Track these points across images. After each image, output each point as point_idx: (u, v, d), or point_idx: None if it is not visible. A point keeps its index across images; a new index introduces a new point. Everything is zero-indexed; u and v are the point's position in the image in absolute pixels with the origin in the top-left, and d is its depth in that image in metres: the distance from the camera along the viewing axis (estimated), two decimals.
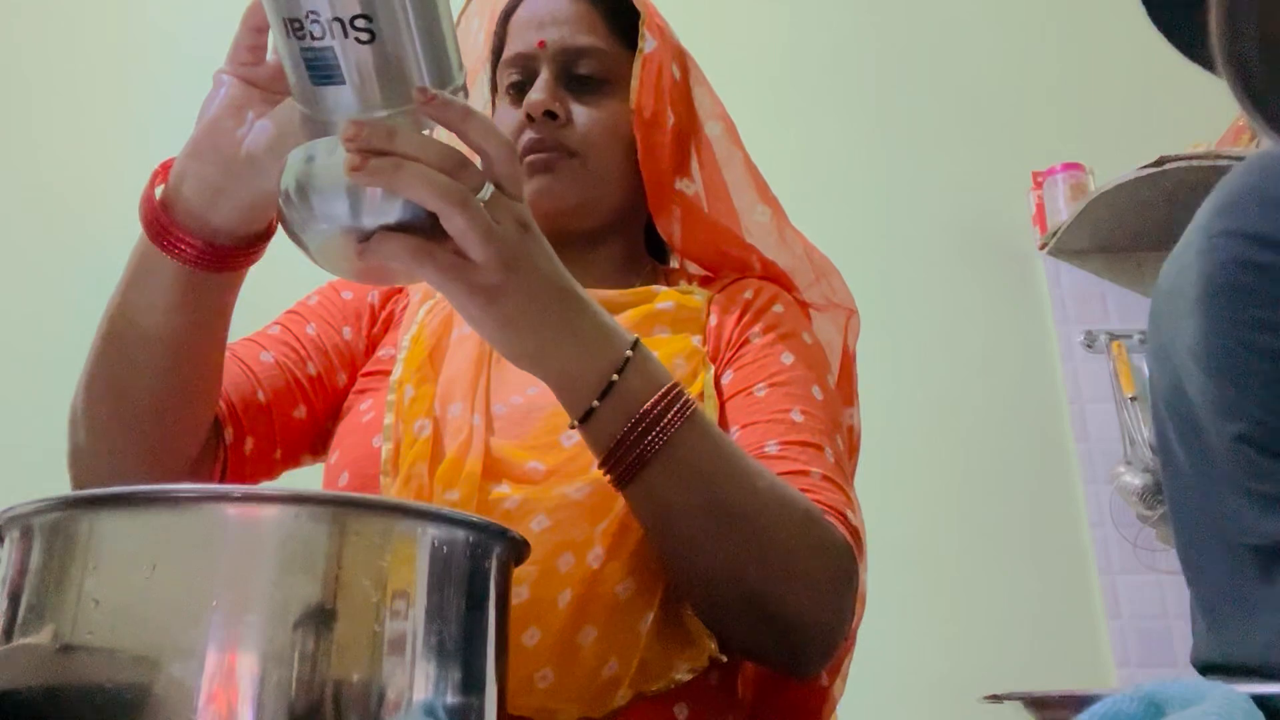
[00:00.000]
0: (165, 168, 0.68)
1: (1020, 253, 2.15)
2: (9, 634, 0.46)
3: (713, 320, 0.88)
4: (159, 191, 0.68)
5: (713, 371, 0.84)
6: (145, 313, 0.70)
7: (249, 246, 0.69)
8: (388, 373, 0.85)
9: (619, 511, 0.73)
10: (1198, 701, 0.35)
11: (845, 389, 0.97)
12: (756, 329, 0.87)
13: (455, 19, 0.72)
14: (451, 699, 0.47)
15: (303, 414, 0.86)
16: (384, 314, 0.94)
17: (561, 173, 0.89)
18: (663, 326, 0.86)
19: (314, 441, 0.88)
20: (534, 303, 0.62)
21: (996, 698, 0.46)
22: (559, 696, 0.70)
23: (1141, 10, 0.72)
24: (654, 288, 0.90)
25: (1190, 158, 1.81)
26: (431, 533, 0.49)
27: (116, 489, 0.46)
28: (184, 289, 0.69)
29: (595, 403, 0.65)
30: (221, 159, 0.66)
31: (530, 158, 0.88)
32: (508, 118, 0.91)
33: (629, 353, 0.66)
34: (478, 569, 0.51)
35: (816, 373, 0.85)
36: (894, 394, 1.92)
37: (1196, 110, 1.69)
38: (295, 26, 0.57)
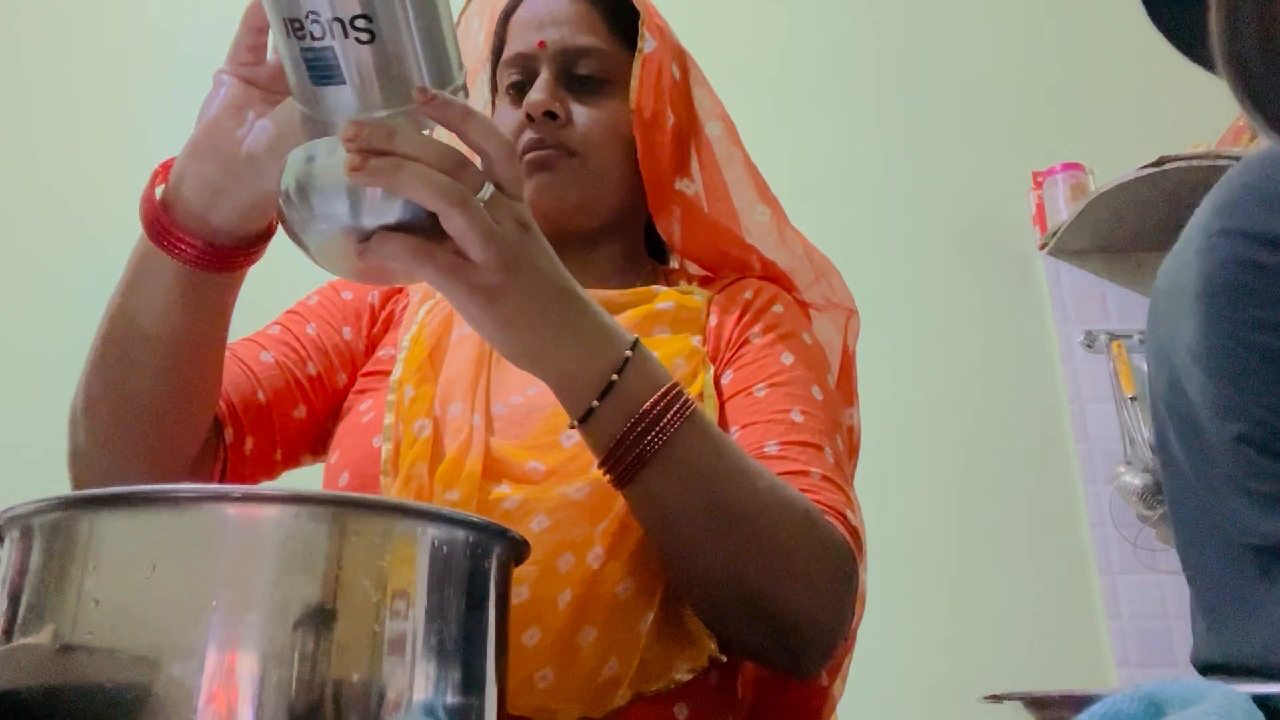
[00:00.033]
0: (165, 168, 0.68)
1: (1020, 253, 2.15)
2: (9, 634, 0.46)
3: (712, 320, 0.88)
4: (159, 191, 0.68)
5: (712, 372, 0.84)
6: (145, 313, 0.70)
7: (249, 246, 0.69)
8: (388, 373, 0.85)
9: (619, 511, 0.73)
10: (1198, 701, 0.35)
11: (845, 389, 0.97)
12: (756, 329, 0.87)
13: (455, 19, 0.72)
14: (451, 699, 0.47)
15: (303, 414, 0.86)
16: (384, 314, 0.94)
17: (561, 172, 0.89)
18: (662, 326, 0.86)
19: (314, 441, 0.88)
20: (534, 303, 0.62)
21: (996, 698, 0.46)
22: (559, 696, 0.70)
23: (1141, 10, 0.72)
24: (654, 288, 0.90)
25: (1190, 158, 1.81)
26: (431, 533, 0.49)
27: (116, 489, 0.46)
28: (184, 289, 0.69)
29: (595, 403, 0.65)
30: (222, 159, 0.66)
31: (530, 157, 0.88)
32: (508, 118, 0.91)
33: (628, 353, 0.66)
34: (478, 569, 0.51)
35: (816, 373, 0.85)
36: (894, 394, 1.92)
37: (1196, 110, 1.69)
38: (295, 26, 0.57)
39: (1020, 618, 1.90)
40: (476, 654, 0.50)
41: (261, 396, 0.83)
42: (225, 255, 0.68)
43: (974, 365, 2.06)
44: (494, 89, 0.98)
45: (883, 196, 2.18)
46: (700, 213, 0.94)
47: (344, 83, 0.59)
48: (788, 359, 0.84)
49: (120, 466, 0.73)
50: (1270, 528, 0.69)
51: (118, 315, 0.71)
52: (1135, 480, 1.92)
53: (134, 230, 0.68)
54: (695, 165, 0.96)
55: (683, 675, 0.73)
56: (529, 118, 0.88)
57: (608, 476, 0.68)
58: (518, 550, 0.54)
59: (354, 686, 0.44)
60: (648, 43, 0.91)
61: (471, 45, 0.98)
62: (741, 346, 0.86)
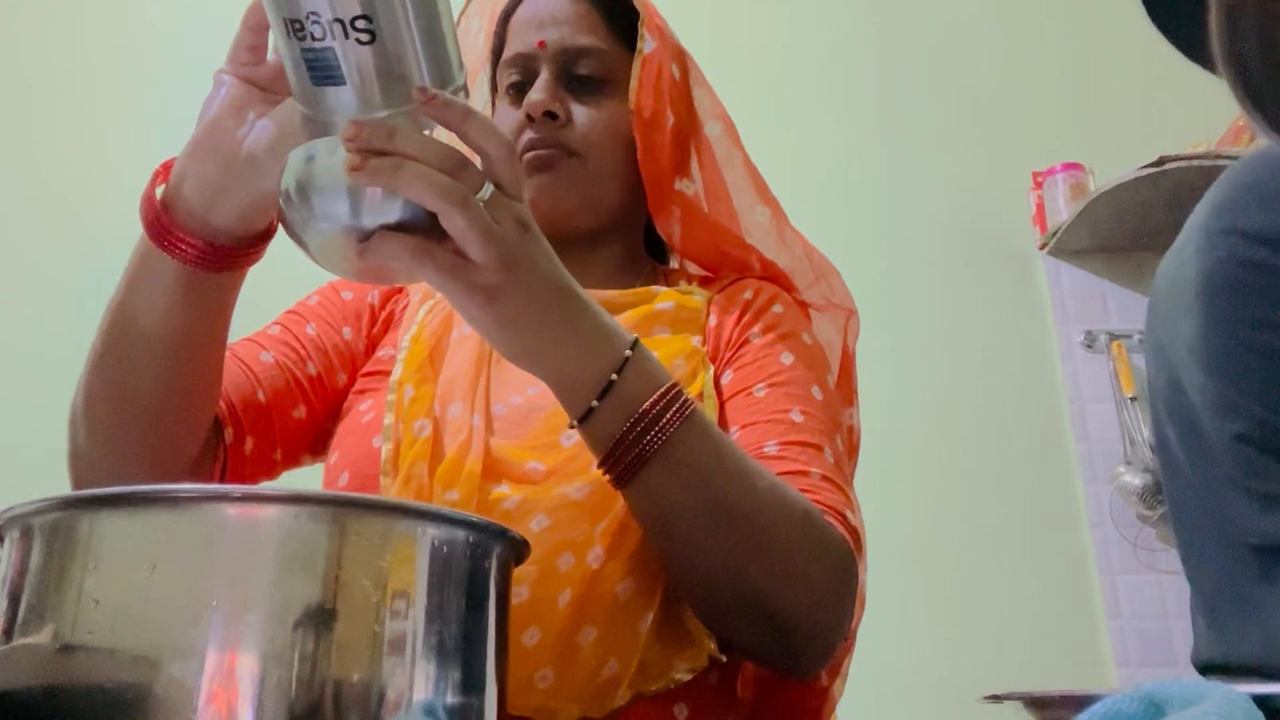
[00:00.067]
0: (166, 168, 0.68)
1: (1020, 253, 2.15)
2: (9, 634, 0.46)
3: (712, 320, 0.88)
4: (160, 191, 0.68)
5: (712, 372, 0.84)
6: (145, 312, 0.70)
7: (249, 247, 0.69)
8: (387, 373, 0.85)
9: (619, 511, 0.73)
10: (1198, 701, 0.35)
11: (845, 389, 0.97)
12: (756, 329, 0.87)
13: (455, 19, 0.73)
14: (451, 699, 0.47)
15: (302, 414, 0.86)
16: (384, 314, 0.94)
17: (561, 172, 0.89)
18: (662, 327, 0.86)
19: (314, 441, 0.88)
20: (533, 302, 0.62)
21: (996, 698, 0.46)
22: (559, 696, 0.70)
23: (1141, 10, 0.72)
24: (653, 288, 0.90)
25: (1190, 158, 1.81)
26: (431, 533, 0.49)
27: (116, 489, 0.46)
28: (184, 289, 0.69)
29: (594, 402, 0.65)
30: (222, 159, 0.66)
31: (530, 157, 0.88)
32: (508, 118, 0.91)
33: (628, 352, 0.66)
34: (478, 569, 0.51)
35: (816, 373, 0.85)
36: (894, 394, 1.92)
37: (1196, 110, 1.69)
38: (296, 27, 0.57)
39: (1020, 618, 1.90)
40: (476, 654, 0.50)
41: (261, 396, 0.83)
42: (225, 255, 0.68)
43: (974, 365, 2.06)
44: (494, 89, 0.98)
45: (883, 196, 2.18)
46: (700, 213, 0.94)
47: (344, 83, 0.59)
48: (787, 359, 0.84)
49: (120, 466, 0.73)
50: (1270, 527, 0.69)
51: (118, 315, 0.71)
52: (1135, 480, 1.92)
53: (134, 230, 0.68)
54: (695, 165, 0.96)
55: (682, 675, 0.73)
56: (529, 118, 0.88)
57: (607, 476, 0.68)
58: (518, 550, 0.54)
59: (354, 686, 0.44)
60: (647, 43, 0.91)
61: (471, 45, 0.98)
62: (741, 347, 0.86)
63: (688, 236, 0.95)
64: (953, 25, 2.31)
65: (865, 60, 2.30)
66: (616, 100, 0.91)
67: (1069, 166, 2.09)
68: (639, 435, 0.66)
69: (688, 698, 0.74)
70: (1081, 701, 0.37)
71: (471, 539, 0.50)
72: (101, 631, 0.44)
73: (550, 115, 0.88)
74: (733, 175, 0.96)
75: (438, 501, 0.74)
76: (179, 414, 0.74)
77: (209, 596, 0.44)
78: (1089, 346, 2.06)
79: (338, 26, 0.57)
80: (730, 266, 0.96)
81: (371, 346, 0.91)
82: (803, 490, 0.73)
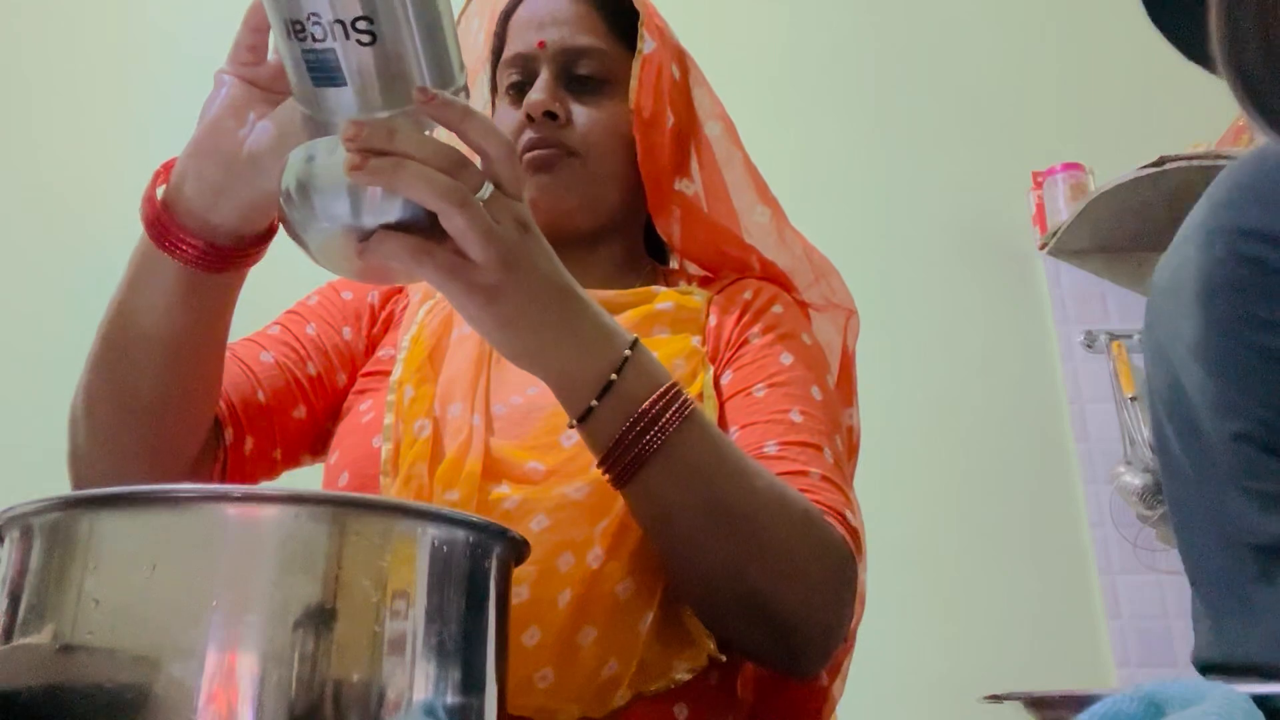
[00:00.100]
0: (167, 168, 0.68)
1: (1020, 253, 2.15)
2: (9, 634, 0.46)
3: (712, 321, 0.88)
4: (160, 191, 0.68)
5: (712, 372, 0.84)
6: (146, 313, 0.70)
7: (250, 247, 0.69)
8: (387, 373, 0.85)
9: (619, 511, 0.73)
10: (1198, 701, 0.35)
11: (845, 389, 0.97)
12: (756, 329, 0.87)
13: (455, 19, 0.73)
14: (451, 699, 0.47)
15: (302, 414, 0.86)
16: (384, 314, 0.94)
17: (561, 172, 0.89)
18: (662, 327, 0.86)
19: (314, 442, 0.88)
20: (533, 302, 0.62)
21: (996, 698, 0.46)
22: (559, 696, 0.70)
23: (1141, 10, 0.72)
24: (653, 288, 0.90)
25: (1190, 158, 1.81)
26: (431, 533, 0.49)
27: (116, 489, 0.46)
28: (185, 289, 0.69)
29: (594, 402, 0.66)
30: (223, 159, 0.66)
31: (530, 157, 0.88)
32: (507, 118, 0.91)
33: (628, 352, 0.66)
34: (478, 569, 0.51)
35: (816, 373, 0.85)
36: (894, 394, 1.92)
37: (1196, 110, 1.68)
38: (297, 28, 0.57)
39: (1020, 618, 1.90)
40: (476, 654, 0.50)
41: (261, 396, 0.83)
42: (226, 256, 0.68)
43: (974, 365, 2.06)
44: (494, 89, 0.98)
45: (883, 196, 2.18)
46: (700, 213, 0.94)
47: (345, 84, 0.59)
48: (787, 359, 0.84)
49: (120, 466, 0.73)
50: (1271, 527, 0.69)
51: (118, 315, 0.71)
52: (1135, 480, 1.92)
53: (134, 230, 0.68)
54: (695, 165, 0.96)
55: (682, 675, 0.73)
56: (529, 118, 0.88)
57: (607, 476, 0.68)
58: (518, 550, 0.54)
59: (354, 686, 0.44)
60: (647, 43, 0.91)
61: (471, 45, 0.98)
62: (741, 347, 0.86)
63: (687, 236, 0.95)
64: (953, 25, 2.31)
65: (865, 60, 2.30)
66: (616, 100, 0.91)
67: (1069, 166, 2.09)
68: (638, 435, 0.66)
69: (688, 698, 0.74)
70: (1081, 701, 0.37)
71: (471, 539, 0.50)
72: (101, 631, 0.44)
73: (550, 115, 0.88)
74: (732, 175, 0.96)
75: (438, 501, 0.74)
76: (179, 414, 0.74)
77: (209, 596, 0.44)
78: (1089, 346, 2.06)
79: (339, 28, 0.57)
80: (730, 266, 0.96)
81: (371, 346, 0.91)
82: (802, 490, 0.73)
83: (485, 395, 0.82)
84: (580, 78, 0.91)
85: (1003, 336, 2.09)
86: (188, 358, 0.72)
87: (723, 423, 0.81)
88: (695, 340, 0.85)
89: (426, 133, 0.60)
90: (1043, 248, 2.13)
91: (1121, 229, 2.03)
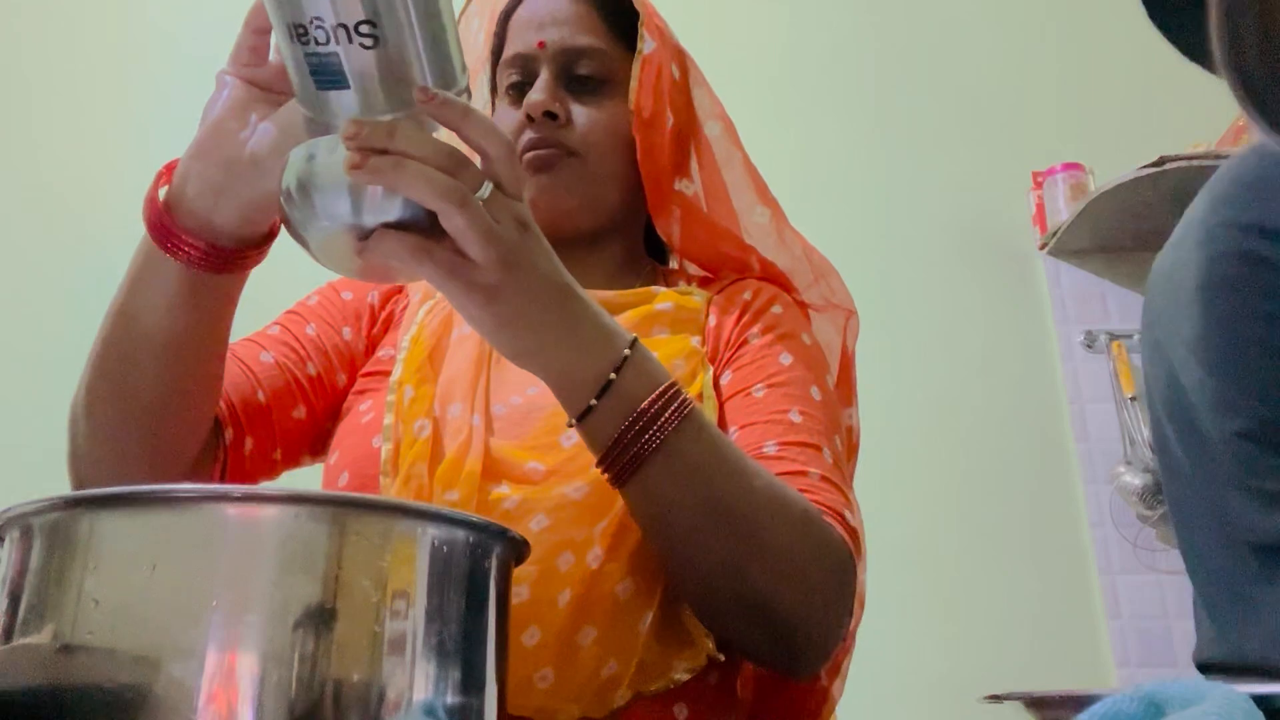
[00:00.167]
0: (169, 169, 0.68)
1: (1020, 253, 2.15)
2: (9, 634, 0.46)
3: (711, 321, 0.88)
4: (163, 193, 0.68)
5: (711, 372, 0.84)
6: (147, 313, 0.70)
7: (251, 248, 0.69)
8: (387, 373, 0.85)
9: (618, 511, 0.73)
10: (1198, 701, 0.35)
11: (844, 389, 0.97)
12: (755, 330, 0.87)
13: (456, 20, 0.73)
14: (451, 699, 0.47)
15: (302, 414, 0.86)
16: (384, 314, 0.94)
17: (561, 172, 0.89)
18: (662, 327, 0.86)
19: (314, 442, 0.88)
20: (533, 302, 0.62)
21: (996, 698, 0.46)
22: (559, 696, 0.70)
23: (1141, 10, 0.72)
24: (653, 288, 0.90)
25: (1190, 158, 1.81)
26: (431, 533, 0.49)
27: (116, 489, 0.46)
28: (186, 290, 0.69)
29: (593, 401, 0.66)
30: (225, 160, 0.66)
31: (530, 157, 0.88)
32: (507, 118, 0.91)
33: (627, 352, 0.66)
34: (478, 569, 0.51)
35: (815, 373, 0.85)
36: (894, 394, 1.92)
37: (1196, 110, 1.68)
38: (299, 32, 0.57)
39: (1020, 618, 1.90)
40: (476, 654, 0.50)
41: (261, 397, 0.83)
42: (227, 257, 0.68)
43: (974, 365, 2.06)
44: (494, 89, 0.98)
45: (883, 196, 2.18)
46: (699, 213, 0.94)
47: (348, 87, 0.59)
48: (786, 359, 0.84)
49: (120, 466, 0.73)
50: (1272, 525, 0.69)
51: (119, 316, 0.71)
52: (1135, 480, 1.92)
53: (134, 230, 0.68)
54: (694, 166, 0.96)
55: (682, 675, 0.73)
56: (529, 118, 0.88)
57: (606, 475, 0.68)
58: (518, 550, 0.54)
59: (354, 686, 0.44)
60: (647, 43, 0.91)
61: (471, 45, 0.98)
62: (740, 347, 0.86)
63: (687, 237, 0.95)
64: (953, 25, 2.31)
65: (865, 60, 2.30)
66: (616, 100, 0.91)
67: (1069, 166, 2.09)
68: (637, 434, 0.66)
69: (687, 698, 0.74)
70: (1081, 701, 0.37)
71: (471, 539, 0.50)
72: (101, 631, 0.44)
73: (550, 115, 0.88)
74: (732, 175, 0.96)
75: (438, 501, 0.74)
76: (179, 414, 0.74)
77: (209, 596, 0.44)
78: (1089, 346, 2.06)
79: (341, 31, 0.57)
80: (730, 267, 0.96)
81: (371, 347, 0.92)
82: (801, 490, 0.73)
83: (485, 395, 0.82)
84: (580, 78, 0.91)
85: (1003, 336, 2.09)
86: (189, 358, 0.72)
87: (722, 423, 0.81)
88: (695, 340, 0.85)
89: (428, 133, 0.60)
90: (1043, 248, 2.13)
91: (1121, 229, 2.03)
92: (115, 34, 2.27)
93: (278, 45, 0.61)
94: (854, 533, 0.75)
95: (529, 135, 0.89)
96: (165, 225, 0.67)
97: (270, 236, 0.70)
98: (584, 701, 0.70)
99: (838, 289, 0.99)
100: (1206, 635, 0.77)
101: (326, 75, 0.59)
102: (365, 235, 0.59)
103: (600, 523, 0.73)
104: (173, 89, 1.92)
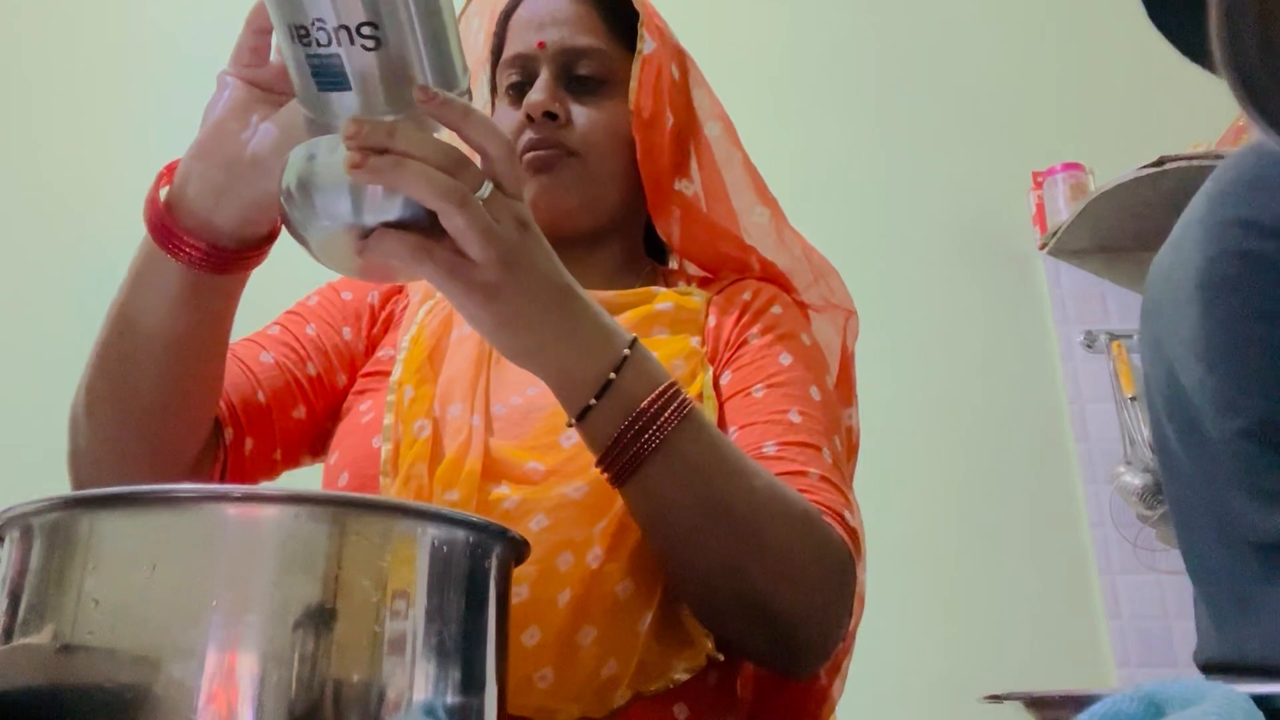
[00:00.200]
0: (170, 169, 0.68)
1: (1020, 253, 2.15)
2: (9, 634, 0.46)
3: (711, 321, 0.88)
4: (164, 193, 0.68)
5: (711, 372, 0.84)
6: (148, 314, 0.70)
7: (252, 249, 0.69)
8: (387, 373, 0.85)
9: (618, 511, 0.73)
10: (1198, 701, 0.35)
11: (844, 389, 0.97)
12: (755, 330, 0.87)
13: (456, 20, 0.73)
14: (451, 699, 0.47)
15: (302, 414, 0.86)
16: (384, 314, 0.94)
17: (561, 173, 0.89)
18: (661, 327, 0.86)
19: (314, 442, 0.88)
20: (533, 302, 0.62)
21: (996, 698, 0.46)
22: (559, 696, 0.70)
23: (1141, 10, 0.72)
24: (653, 289, 0.90)
25: (1190, 158, 1.81)
26: (431, 533, 0.49)
27: (116, 489, 0.46)
28: (187, 291, 0.69)
29: (593, 401, 0.66)
30: (226, 161, 0.66)
31: (530, 157, 0.88)
32: (507, 118, 0.91)
33: (627, 352, 0.66)
34: (478, 569, 0.51)
35: (815, 374, 0.85)
36: (894, 394, 1.92)
37: (1196, 110, 1.68)
38: (301, 33, 0.57)
39: (1020, 618, 1.90)
40: (476, 654, 0.50)
41: (261, 397, 0.83)
42: (228, 257, 0.68)
43: (974, 365, 2.06)
44: (494, 89, 0.98)
45: (883, 196, 2.18)
46: (699, 213, 0.94)
47: (349, 88, 0.59)
48: (786, 360, 0.84)
49: (121, 467, 0.73)
50: (1272, 525, 0.68)
51: (120, 316, 0.71)
52: (1135, 480, 1.92)
53: (134, 230, 0.68)
54: (694, 166, 0.96)
55: (681, 675, 0.73)
56: (529, 118, 0.88)
57: (605, 475, 0.68)
58: (518, 550, 0.54)
59: (354, 686, 0.44)
60: (647, 44, 0.91)
61: (471, 45, 0.98)
62: (740, 347, 0.86)
63: (687, 237, 0.95)
64: (953, 25, 2.31)
65: (865, 60, 2.30)
66: (616, 101, 0.91)
67: (1069, 166, 2.09)
68: (637, 433, 0.66)
69: (687, 697, 0.74)
70: (1081, 701, 0.37)
71: (471, 539, 0.50)
72: (101, 631, 0.44)
73: (550, 115, 0.88)
74: (732, 175, 0.96)
75: (437, 501, 0.74)
76: (180, 415, 0.74)
77: (209, 596, 0.44)
78: (1089, 346, 2.06)
79: (343, 33, 0.57)
80: (729, 267, 0.96)
81: (371, 347, 0.92)
82: (801, 490, 0.73)
83: (485, 395, 0.82)
84: (580, 78, 0.91)
85: (1003, 336, 2.09)
86: (189, 359, 0.72)
87: (722, 423, 0.81)
88: (694, 341, 0.85)
89: (428, 133, 0.60)
90: (1043, 248, 2.13)
91: (1121, 229, 2.03)
92: (115, 34, 2.27)
93: (279, 46, 0.61)
94: (853, 533, 0.75)
95: (529, 135, 0.89)
96: (166, 226, 0.67)
97: (271, 237, 0.70)
98: (584, 701, 0.70)
99: (837, 289, 0.99)
100: (1207, 635, 0.77)
101: (328, 76, 0.59)
102: (366, 235, 0.59)
103: (600, 523, 0.73)
104: (173, 89, 1.92)
